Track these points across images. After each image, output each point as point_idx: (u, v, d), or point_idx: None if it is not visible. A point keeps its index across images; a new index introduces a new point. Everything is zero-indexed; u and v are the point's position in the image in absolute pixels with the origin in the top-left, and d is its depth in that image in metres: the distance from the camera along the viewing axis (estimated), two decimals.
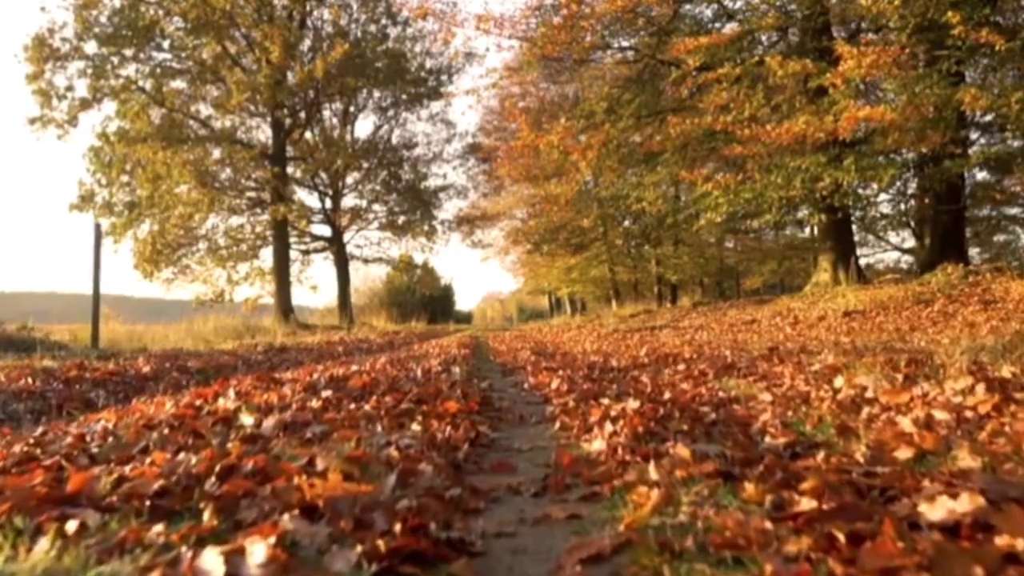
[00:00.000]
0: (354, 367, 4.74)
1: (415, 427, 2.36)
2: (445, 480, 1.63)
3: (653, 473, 1.65)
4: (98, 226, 9.03)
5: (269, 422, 2.28)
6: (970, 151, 17.21)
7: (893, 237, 27.05)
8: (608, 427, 2.22)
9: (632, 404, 2.94)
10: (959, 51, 13.50)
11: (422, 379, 4.04)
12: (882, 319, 12.55)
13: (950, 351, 4.11)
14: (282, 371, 5.37)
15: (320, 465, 1.63)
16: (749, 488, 1.47)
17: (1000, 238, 30.14)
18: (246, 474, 1.55)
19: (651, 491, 1.49)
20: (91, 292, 9.57)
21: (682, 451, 1.84)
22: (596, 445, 2.04)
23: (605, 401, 3.18)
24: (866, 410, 2.59)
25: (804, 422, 2.66)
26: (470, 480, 1.80)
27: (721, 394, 3.60)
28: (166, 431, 2.13)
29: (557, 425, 2.65)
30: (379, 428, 2.29)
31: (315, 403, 2.80)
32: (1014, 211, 28.06)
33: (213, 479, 1.50)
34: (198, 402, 2.82)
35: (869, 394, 3.10)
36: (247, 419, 2.38)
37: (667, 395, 3.61)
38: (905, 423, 2.22)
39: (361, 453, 1.76)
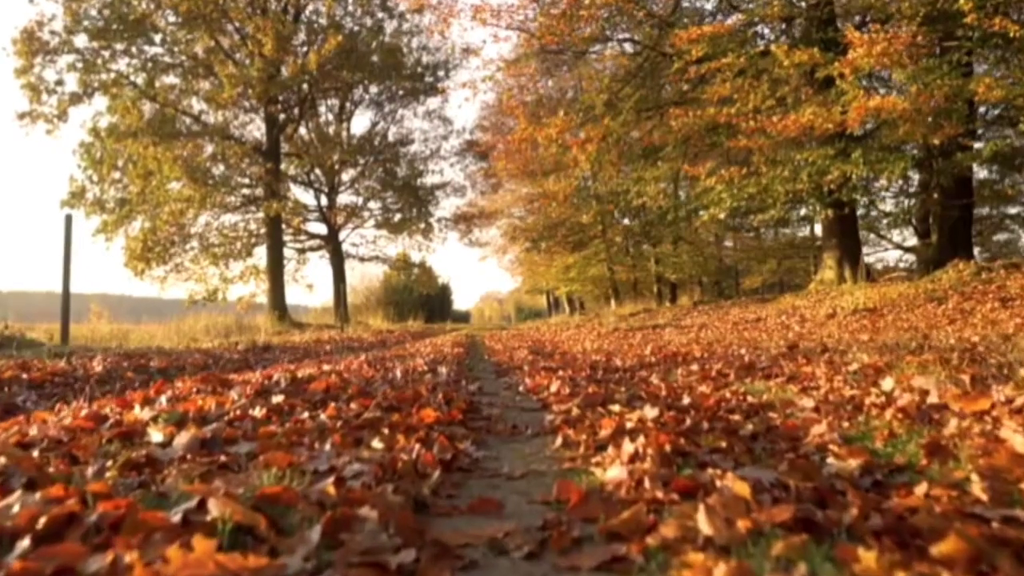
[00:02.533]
0: (326, 367, 4.20)
1: (376, 444, 1.82)
2: (397, 534, 1.09)
3: (704, 523, 1.11)
4: (68, 218, 8.48)
5: (182, 438, 1.75)
6: (976, 146, 16.72)
7: (894, 235, 26.63)
8: (627, 446, 1.68)
9: (650, 412, 2.41)
10: (970, 42, 13.05)
11: (401, 381, 3.50)
12: (894, 317, 12.06)
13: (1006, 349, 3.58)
14: (250, 371, 4.83)
15: (213, 511, 1.10)
16: (865, 558, 0.94)
17: (999, 237, 29.75)
18: (86, 531, 1.02)
19: (708, 559, 0.96)
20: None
21: (736, 485, 1.31)
22: (613, 472, 1.51)
23: (615, 408, 2.64)
24: (953, 422, 2.05)
25: (870, 437, 2.13)
26: (436, 528, 1.26)
27: (750, 399, 3.06)
28: (36, 453, 1.61)
29: (559, 440, 2.10)
30: (327, 447, 1.76)
31: (258, 411, 2.26)
32: (1015, 210, 27.72)
33: (27, 541, 0.97)
34: (107, 410, 2.28)
35: (933, 399, 2.57)
36: (156, 435, 1.85)
37: (686, 400, 3.08)
38: (1018, 441, 1.69)
39: (280, 490, 1.24)
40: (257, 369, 5.41)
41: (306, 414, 2.29)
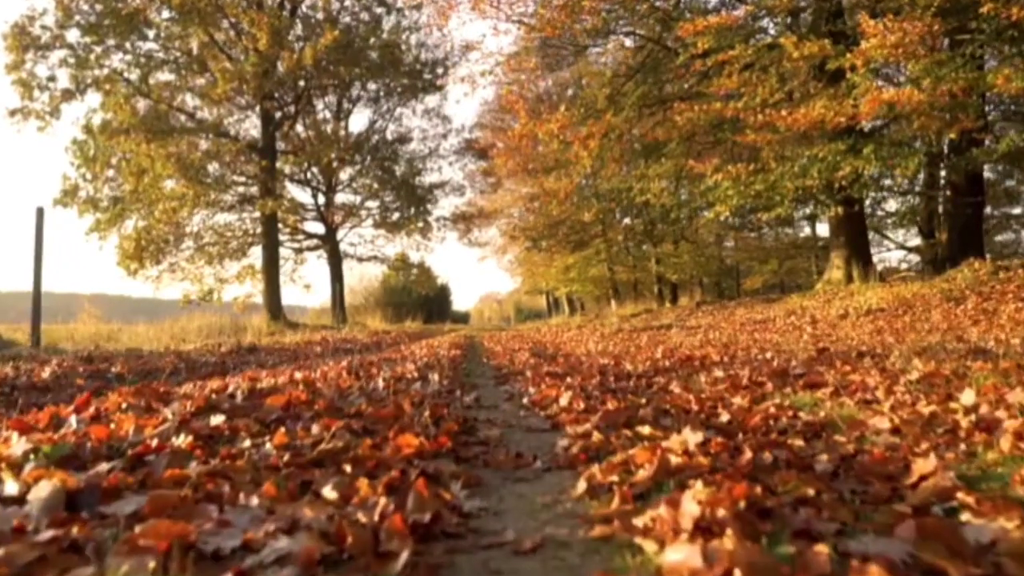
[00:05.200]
0: (299, 374, 3.66)
1: (329, 492, 1.30)
2: None
3: None
4: (40, 211, 7.95)
5: (41, 491, 1.22)
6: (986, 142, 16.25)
7: (898, 236, 26.23)
8: (689, 504, 1.14)
9: (691, 437, 1.88)
10: (983, 34, 12.63)
11: (383, 392, 2.96)
12: (912, 318, 11.55)
13: None
14: (219, 377, 4.29)
15: None
16: None
17: (1000, 237, 29.45)
18: None
19: None
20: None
21: None
22: (678, 555, 0.97)
23: (645, 430, 2.11)
24: None
25: (998, 476, 1.60)
26: None
27: (802, 415, 2.53)
28: None
29: (580, 485, 1.53)
30: (255, 500, 1.23)
31: (183, 440, 1.73)
32: (1017, 210, 27.42)
33: None
34: None
35: None
36: (10, 484, 1.31)
37: (724, 417, 2.55)
38: None
39: None
40: (232, 374, 4.88)
41: (247, 442, 1.75)
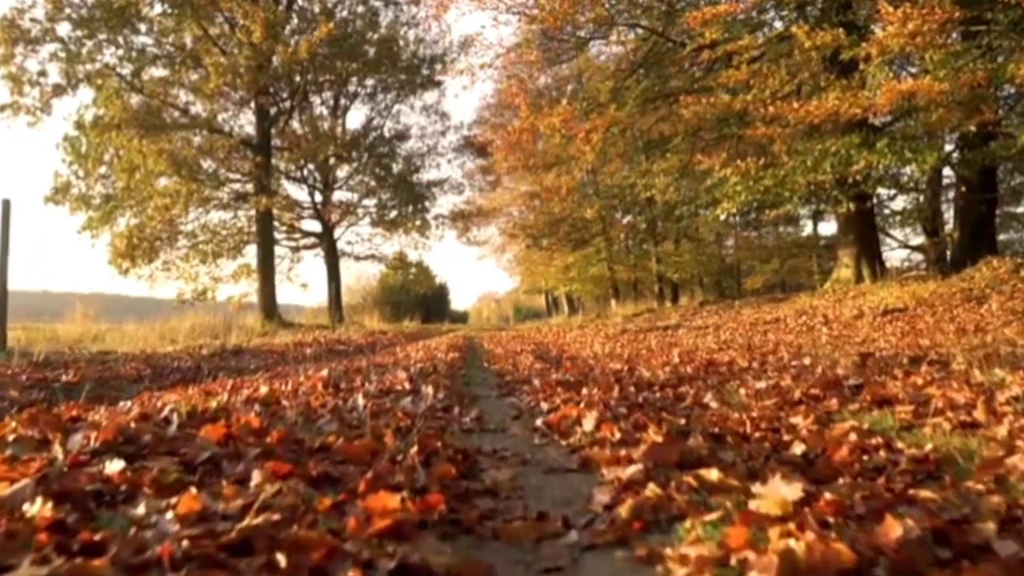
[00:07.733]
0: (264, 388, 3.07)
1: None
2: None
3: None
4: (7, 203, 7.38)
5: None
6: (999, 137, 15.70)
7: (899, 234, 25.79)
8: None
9: (785, 490, 1.32)
10: (999, 25, 12.13)
11: (363, 412, 2.38)
12: (935, 318, 10.99)
13: None
14: (180, 387, 3.71)
15: None
16: None
17: (1003, 236, 29.06)
18: None
19: None
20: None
21: None
22: None
23: (711, 475, 1.53)
24: None
25: None
26: None
27: (902, 447, 1.96)
28: None
29: None
30: None
31: (38, 508, 1.12)
32: (1021, 209, 27.03)
33: None
34: None
35: None
36: None
37: (796, 446, 1.98)
38: None
39: None
40: (199, 383, 4.30)
41: (143, 507, 1.16)
